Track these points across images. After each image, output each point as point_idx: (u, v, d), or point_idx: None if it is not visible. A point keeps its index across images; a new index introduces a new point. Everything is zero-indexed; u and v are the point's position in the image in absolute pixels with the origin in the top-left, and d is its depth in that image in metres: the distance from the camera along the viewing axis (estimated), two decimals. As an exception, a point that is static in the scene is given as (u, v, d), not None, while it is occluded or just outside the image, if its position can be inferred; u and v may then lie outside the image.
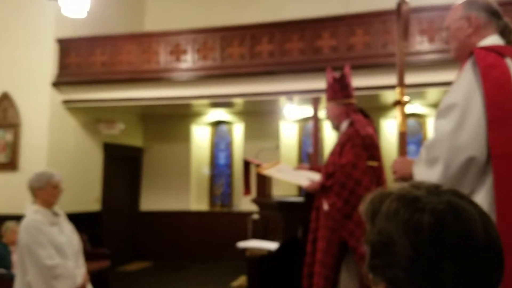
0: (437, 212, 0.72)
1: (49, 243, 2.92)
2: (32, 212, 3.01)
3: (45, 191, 3.05)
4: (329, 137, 8.16)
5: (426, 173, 1.66)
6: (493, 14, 1.80)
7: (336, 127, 3.30)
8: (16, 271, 3.00)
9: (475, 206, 0.76)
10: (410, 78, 5.52)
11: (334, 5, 7.48)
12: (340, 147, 3.12)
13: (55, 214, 3.12)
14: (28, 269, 2.88)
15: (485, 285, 0.71)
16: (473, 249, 0.71)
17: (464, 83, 1.64)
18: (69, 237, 3.11)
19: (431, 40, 5.79)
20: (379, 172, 3.10)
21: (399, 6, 2.02)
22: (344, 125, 3.22)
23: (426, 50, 5.82)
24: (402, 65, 2.00)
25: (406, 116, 2.03)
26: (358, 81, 5.90)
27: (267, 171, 3.45)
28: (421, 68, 5.76)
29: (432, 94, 6.66)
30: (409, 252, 0.71)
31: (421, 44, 5.85)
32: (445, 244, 0.70)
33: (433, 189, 0.77)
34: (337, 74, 3.31)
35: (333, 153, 3.18)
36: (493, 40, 1.76)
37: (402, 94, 2.00)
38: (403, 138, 2.00)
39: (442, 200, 0.74)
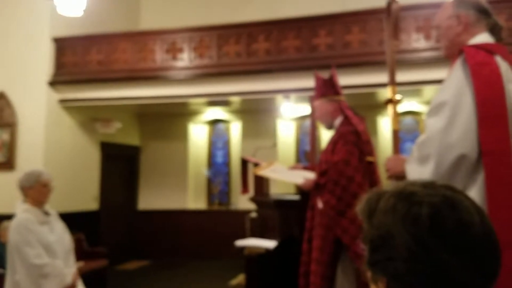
0: (434, 205, 0.74)
1: (38, 242, 2.93)
2: (22, 211, 3.03)
3: (34, 190, 3.06)
4: (327, 135, 8.15)
5: (418, 170, 1.67)
6: (483, 12, 1.80)
7: (329, 126, 3.28)
8: (7, 269, 3.01)
9: (470, 199, 0.78)
10: (407, 75, 5.59)
11: (330, 3, 7.49)
12: (333, 144, 3.12)
13: (46, 213, 3.12)
14: (17, 268, 2.90)
15: (484, 275, 0.72)
16: (471, 239, 0.72)
17: (454, 81, 1.65)
18: (59, 236, 3.12)
19: (428, 37, 5.80)
20: (372, 169, 3.10)
21: (389, 5, 2.02)
22: (337, 121, 3.21)
23: (423, 48, 5.83)
24: (392, 63, 2.01)
25: (398, 114, 2.04)
26: (354, 78, 5.94)
27: (262, 172, 3.47)
28: (418, 66, 5.76)
29: (429, 91, 6.66)
30: (409, 244, 0.72)
31: (417, 41, 5.85)
32: (444, 235, 0.71)
33: (428, 185, 0.79)
34: (325, 75, 3.32)
35: (326, 151, 3.18)
36: (483, 38, 1.77)
37: (394, 93, 2.01)
38: (396, 136, 2.01)
39: (437, 194, 0.76)
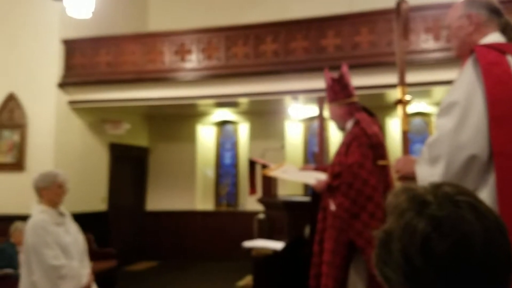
0: (434, 221, 0.70)
1: (55, 243, 2.94)
2: (39, 212, 3.02)
3: (50, 190, 3.07)
4: (335, 137, 8.13)
5: (428, 171, 1.66)
6: (494, 11, 1.79)
7: (342, 127, 3.26)
8: (22, 270, 3.02)
9: (485, 216, 0.72)
10: (416, 76, 5.56)
11: (338, 4, 7.46)
12: (346, 146, 3.07)
13: (61, 214, 3.13)
14: (34, 269, 2.89)
15: None
16: (466, 266, 0.68)
17: (465, 81, 1.63)
18: (74, 237, 3.13)
19: (437, 38, 5.76)
20: (386, 171, 3.06)
21: (399, 5, 2.01)
22: (349, 124, 3.18)
23: (432, 49, 5.79)
24: (402, 64, 2.00)
25: (408, 115, 2.03)
26: (363, 80, 5.91)
27: (273, 173, 3.45)
28: (427, 67, 5.73)
29: (438, 92, 6.62)
30: (399, 257, 0.70)
31: (426, 42, 5.82)
32: (434, 257, 0.68)
33: (445, 196, 0.74)
34: (335, 75, 3.28)
35: (338, 153, 3.14)
36: (494, 37, 1.75)
37: (404, 93, 2.00)
38: (406, 137, 2.00)
39: (445, 208, 0.71)
